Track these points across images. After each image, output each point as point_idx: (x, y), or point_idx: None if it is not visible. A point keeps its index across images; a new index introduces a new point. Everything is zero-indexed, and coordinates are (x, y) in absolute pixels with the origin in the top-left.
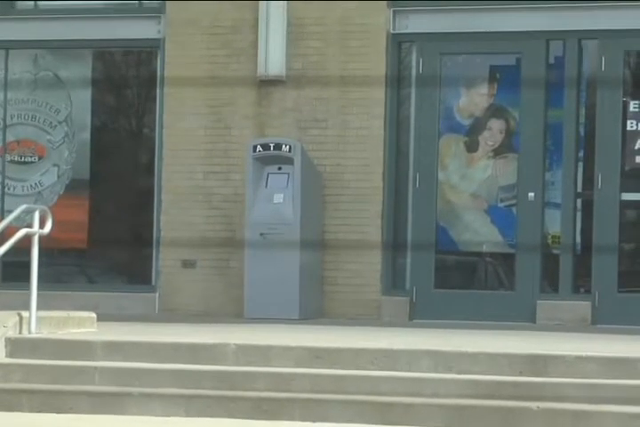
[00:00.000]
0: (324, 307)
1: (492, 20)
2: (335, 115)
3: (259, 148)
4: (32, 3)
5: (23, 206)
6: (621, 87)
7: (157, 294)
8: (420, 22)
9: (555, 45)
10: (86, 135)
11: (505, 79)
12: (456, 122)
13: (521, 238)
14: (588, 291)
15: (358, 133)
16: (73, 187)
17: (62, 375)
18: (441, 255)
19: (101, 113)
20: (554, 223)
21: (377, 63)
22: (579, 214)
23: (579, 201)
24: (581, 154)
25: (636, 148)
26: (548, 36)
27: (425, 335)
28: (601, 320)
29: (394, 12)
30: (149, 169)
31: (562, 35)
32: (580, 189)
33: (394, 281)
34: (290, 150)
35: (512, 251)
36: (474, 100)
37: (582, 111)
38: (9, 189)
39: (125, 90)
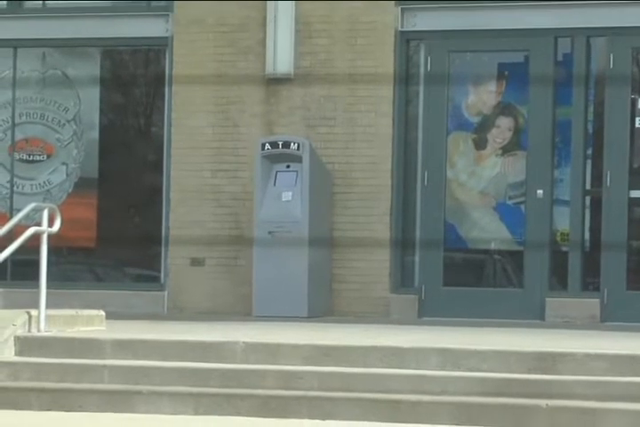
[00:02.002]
0: (332, 305)
1: (500, 17)
2: (343, 113)
3: (267, 146)
4: (40, 1)
5: (32, 205)
6: (630, 84)
7: (166, 292)
8: (428, 20)
9: (563, 43)
10: (95, 134)
11: (513, 77)
12: (464, 119)
13: (529, 236)
14: (596, 288)
15: (366, 131)
16: (81, 185)
17: (71, 374)
18: (449, 253)
19: (110, 111)
20: (562, 221)
21: (385, 61)
22: (587, 212)
23: (587, 198)
24: (590, 151)
25: None
26: (556, 34)
27: (433, 333)
28: (610, 317)
29: (402, 9)
30: (158, 167)
31: (570, 32)
32: (588, 187)
33: (402, 279)
34: (298, 148)
35: (521, 248)
36: (482, 97)
37: (591, 108)
38: (18, 187)
39: (133, 88)
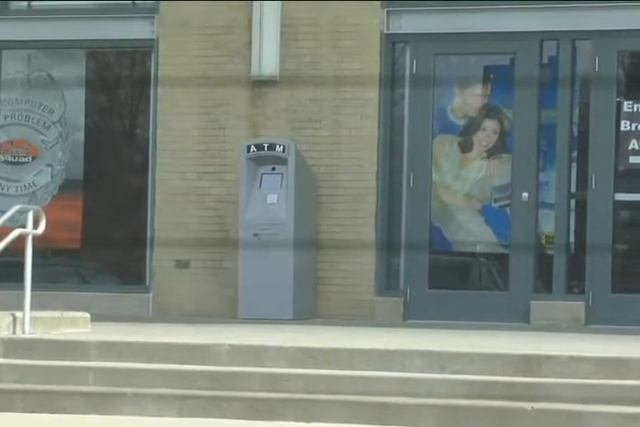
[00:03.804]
0: (317, 307)
1: (486, 20)
2: (329, 115)
3: (252, 148)
4: (26, 3)
5: (17, 207)
6: (615, 87)
7: (151, 295)
8: (413, 23)
9: (548, 46)
10: (80, 135)
11: (499, 79)
12: (450, 122)
13: (515, 239)
14: (581, 291)
15: (352, 134)
16: (66, 187)
17: (56, 376)
18: (435, 255)
19: (95, 113)
20: (547, 223)
21: (371, 63)
22: (572, 215)
23: (572, 201)
24: (575, 154)
25: (630, 148)
26: (542, 37)
27: (419, 336)
28: (594, 320)
29: (387, 12)
30: (143, 169)
31: (555, 35)
32: (573, 190)
33: (388, 281)
34: (284, 151)
35: (506, 251)
36: (468, 100)
37: (576, 111)
38: (2, 189)
39: (119, 90)
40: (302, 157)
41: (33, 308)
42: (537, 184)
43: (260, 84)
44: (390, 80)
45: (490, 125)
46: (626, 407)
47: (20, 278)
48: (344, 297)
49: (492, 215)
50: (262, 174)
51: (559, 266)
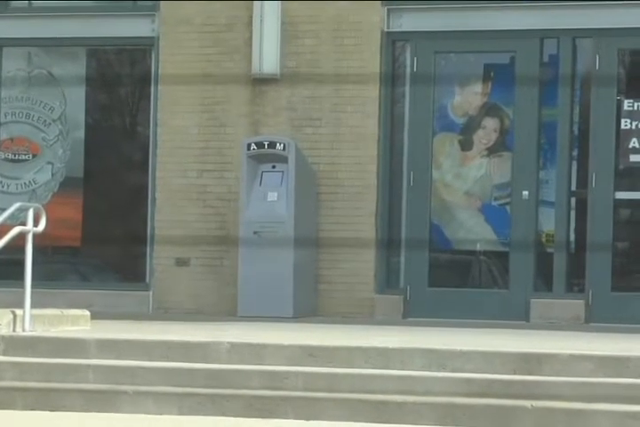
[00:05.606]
0: (317, 305)
1: (487, 18)
2: (329, 113)
3: (253, 146)
4: (26, 1)
5: (17, 204)
6: (615, 86)
7: (151, 292)
8: (414, 21)
9: (549, 44)
10: (80, 133)
11: (499, 78)
12: (450, 120)
13: (515, 237)
14: (581, 289)
15: (352, 132)
16: (67, 185)
17: (56, 373)
18: (435, 254)
19: (95, 111)
20: (548, 222)
21: (371, 61)
22: (573, 213)
23: (573, 199)
24: (575, 152)
25: (630, 146)
26: (542, 35)
27: (419, 334)
28: (594, 319)
29: (388, 10)
30: (143, 167)
31: (556, 33)
32: (574, 188)
33: (388, 279)
34: (284, 149)
35: (506, 249)
36: (468, 98)
37: (576, 110)
38: (3, 186)
39: (119, 88)
40: (302, 155)
41: (33, 305)
42: (537, 182)
43: (261, 81)
44: (391, 78)
45: (490, 124)
46: (626, 406)
47: (21, 276)
48: (344, 295)
49: (492, 213)
50: (262, 172)
51: (559, 264)
